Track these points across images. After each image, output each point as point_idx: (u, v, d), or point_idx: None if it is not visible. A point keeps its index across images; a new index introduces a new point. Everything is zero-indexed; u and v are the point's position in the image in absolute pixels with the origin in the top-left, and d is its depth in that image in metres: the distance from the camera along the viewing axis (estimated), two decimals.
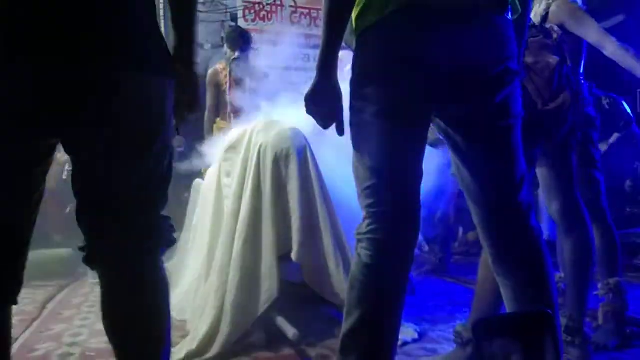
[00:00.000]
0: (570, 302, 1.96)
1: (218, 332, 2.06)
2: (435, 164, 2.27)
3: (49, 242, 4.14)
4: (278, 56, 3.70)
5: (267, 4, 6.06)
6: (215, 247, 2.38)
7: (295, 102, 2.42)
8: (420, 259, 3.42)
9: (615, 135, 4.47)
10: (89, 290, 3.38)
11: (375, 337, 1.21)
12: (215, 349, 2.02)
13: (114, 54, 1.03)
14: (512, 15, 1.24)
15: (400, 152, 1.21)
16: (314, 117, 1.32)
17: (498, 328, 0.90)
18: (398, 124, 1.19)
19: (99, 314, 1.14)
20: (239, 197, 2.28)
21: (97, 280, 1.13)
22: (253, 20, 6.03)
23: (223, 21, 5.85)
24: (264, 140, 2.32)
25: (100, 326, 1.17)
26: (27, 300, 3.08)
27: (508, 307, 1.26)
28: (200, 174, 3.37)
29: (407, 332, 2.25)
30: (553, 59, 1.76)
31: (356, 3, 1.23)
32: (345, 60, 1.44)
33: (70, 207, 3.94)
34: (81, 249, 1.12)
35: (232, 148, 2.57)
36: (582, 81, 2.27)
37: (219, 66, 3.86)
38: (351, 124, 1.27)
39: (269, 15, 6.14)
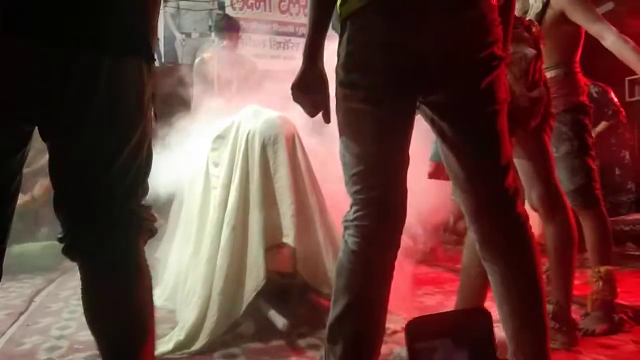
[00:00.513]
0: (555, 287, 1.97)
1: (205, 322, 2.05)
2: None
3: (36, 235, 4.11)
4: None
5: None
6: (202, 236, 2.36)
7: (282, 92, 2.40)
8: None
9: (604, 124, 4.50)
10: (77, 283, 3.34)
11: (362, 324, 1.21)
12: (202, 339, 2.01)
13: (93, 37, 1.01)
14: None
15: (386, 139, 1.20)
16: (301, 105, 1.32)
17: (432, 328, 0.89)
18: (383, 110, 1.18)
19: None
20: (227, 186, 2.26)
21: None
22: (241, 9, 5.99)
23: (211, 9, 5.80)
24: (252, 127, 2.30)
25: None
26: (15, 294, 3.06)
27: (495, 292, 1.26)
28: None
29: (396, 320, 2.25)
30: (530, 51, 1.76)
31: None
32: None
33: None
34: (60, 239, 1.10)
35: (220, 137, 2.55)
36: (578, 69, 2.27)
37: (207, 55, 3.82)
38: (337, 111, 1.26)
39: (257, 4, 6.10)
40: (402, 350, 1.92)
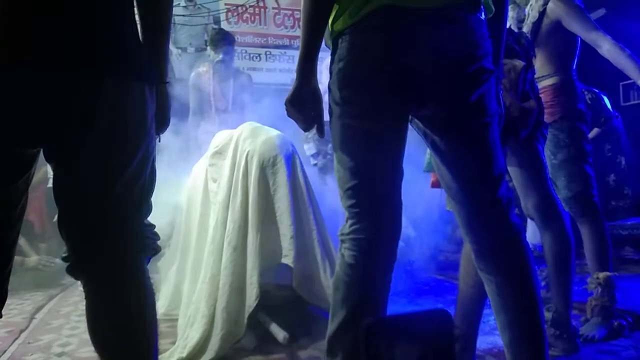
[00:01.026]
0: (555, 295, 1.98)
1: (210, 340, 2.05)
2: None
3: (36, 251, 4.11)
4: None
5: (250, 6, 6.06)
6: (202, 252, 2.37)
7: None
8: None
9: (596, 130, 4.51)
10: (78, 299, 3.36)
11: None
12: (207, 356, 2.01)
13: (93, 60, 1.03)
14: (485, 14, 1.26)
15: (379, 153, 1.22)
16: (295, 120, 1.33)
17: (388, 328, 0.89)
18: (376, 125, 1.20)
19: None
20: (227, 206, 2.27)
21: None
22: (236, 22, 6.03)
23: (206, 24, 5.84)
24: (251, 147, 2.31)
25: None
26: (15, 312, 3.05)
27: (492, 301, 1.27)
28: None
29: None
30: (519, 63, 1.79)
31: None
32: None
33: (57, 216, 3.91)
34: (64, 259, 1.11)
35: (218, 153, 2.56)
36: (575, 77, 2.29)
37: (202, 69, 3.85)
38: (331, 127, 1.28)
39: (252, 17, 6.14)
40: None
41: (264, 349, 2.15)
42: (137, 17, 1.19)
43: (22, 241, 3.74)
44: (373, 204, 1.22)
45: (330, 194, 2.26)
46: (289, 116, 1.32)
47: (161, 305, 2.71)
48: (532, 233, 3.27)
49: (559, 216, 1.97)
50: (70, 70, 1.01)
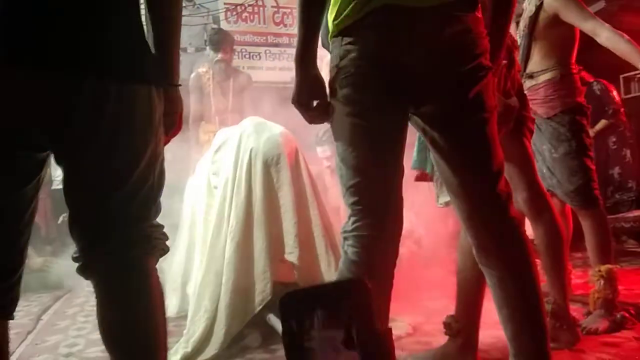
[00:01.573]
0: (551, 286, 1.98)
1: (212, 335, 2.07)
2: None
3: (42, 253, 4.14)
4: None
5: (249, 5, 6.06)
6: (205, 247, 2.39)
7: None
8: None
9: (603, 122, 4.49)
10: (83, 300, 3.38)
11: None
12: (210, 351, 2.04)
13: (99, 63, 1.04)
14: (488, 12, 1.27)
15: (380, 151, 1.23)
16: (301, 112, 1.33)
17: (305, 300, 0.88)
18: (376, 123, 1.21)
19: (95, 324, 1.14)
20: (230, 203, 2.29)
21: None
22: (235, 22, 6.03)
23: (205, 24, 5.84)
24: (255, 145, 2.33)
25: (96, 335, 1.17)
26: (22, 313, 3.08)
27: (494, 295, 1.28)
28: None
29: (401, 326, 2.26)
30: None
31: (331, 6, 1.25)
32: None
33: (63, 217, 3.93)
34: (75, 259, 1.12)
35: (220, 151, 2.58)
36: (574, 70, 2.29)
37: (202, 69, 3.85)
38: (332, 125, 1.29)
39: (251, 16, 6.14)
40: (407, 356, 1.94)
41: (269, 346, 2.17)
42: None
43: None
44: (375, 201, 1.23)
45: None
46: (296, 108, 1.32)
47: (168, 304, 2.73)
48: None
49: (549, 208, 1.97)
50: (73, 74, 1.02)
